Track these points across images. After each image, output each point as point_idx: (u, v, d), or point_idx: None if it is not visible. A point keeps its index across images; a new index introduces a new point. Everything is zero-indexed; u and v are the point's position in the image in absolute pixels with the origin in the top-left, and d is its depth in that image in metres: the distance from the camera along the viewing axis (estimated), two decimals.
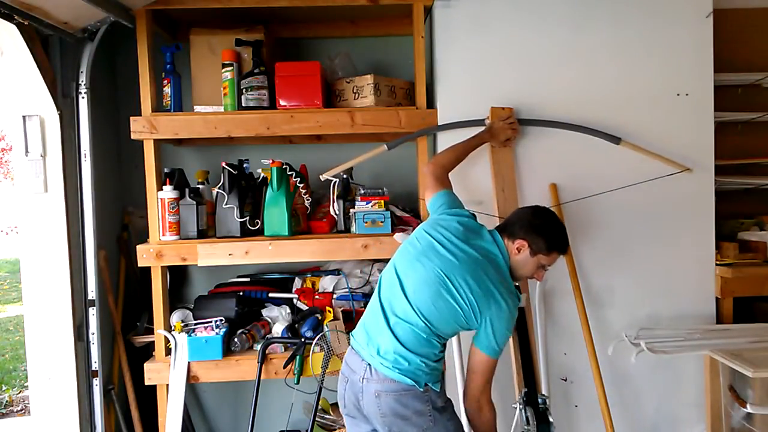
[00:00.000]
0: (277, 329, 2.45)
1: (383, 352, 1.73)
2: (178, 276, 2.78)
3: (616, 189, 2.35)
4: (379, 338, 1.76)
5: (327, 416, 2.59)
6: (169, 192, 2.36)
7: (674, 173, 2.35)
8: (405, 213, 2.52)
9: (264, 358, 2.34)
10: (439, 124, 2.39)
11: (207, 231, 2.45)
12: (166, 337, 2.39)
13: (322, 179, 2.44)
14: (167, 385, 2.36)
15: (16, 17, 1.96)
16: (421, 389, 1.71)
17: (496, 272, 1.79)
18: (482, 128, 2.31)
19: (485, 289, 1.74)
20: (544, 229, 1.84)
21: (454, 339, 2.23)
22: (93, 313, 2.36)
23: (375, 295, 1.87)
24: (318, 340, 2.34)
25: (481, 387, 1.79)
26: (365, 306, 2.50)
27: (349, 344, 1.88)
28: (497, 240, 1.84)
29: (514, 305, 1.78)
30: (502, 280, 1.79)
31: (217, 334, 2.37)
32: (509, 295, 1.77)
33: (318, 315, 2.43)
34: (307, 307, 2.53)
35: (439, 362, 1.79)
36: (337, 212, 2.45)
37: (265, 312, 2.57)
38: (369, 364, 1.74)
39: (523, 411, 2.18)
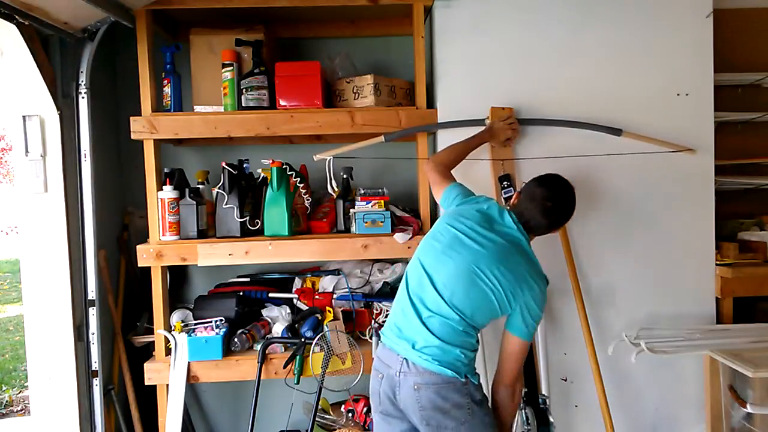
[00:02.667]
0: (277, 329, 2.45)
1: (419, 347, 1.73)
2: (178, 276, 2.78)
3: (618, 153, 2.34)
4: (413, 334, 1.75)
5: (327, 416, 2.59)
6: (169, 192, 2.36)
7: (676, 151, 2.36)
8: (405, 213, 2.52)
9: (264, 358, 2.34)
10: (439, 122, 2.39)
11: (207, 231, 2.45)
12: (166, 337, 2.39)
13: (316, 159, 2.42)
14: (167, 385, 2.36)
15: (16, 17, 1.96)
16: (462, 380, 1.71)
17: (522, 256, 1.79)
18: (482, 128, 2.31)
19: (516, 275, 1.74)
20: (565, 212, 1.89)
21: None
22: (93, 313, 2.35)
23: (403, 293, 1.85)
24: (318, 340, 2.34)
25: (516, 372, 1.79)
26: (365, 306, 2.53)
27: (381, 341, 1.86)
28: (521, 228, 1.83)
29: (545, 285, 1.79)
30: (530, 262, 1.79)
31: (217, 334, 2.37)
32: (539, 276, 1.78)
33: (318, 315, 2.43)
34: (307, 307, 2.53)
35: (476, 353, 1.79)
36: (335, 188, 2.44)
37: (265, 312, 2.57)
38: (405, 359, 1.74)
39: (523, 411, 2.19)
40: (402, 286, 1.87)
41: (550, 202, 1.83)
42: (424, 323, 1.74)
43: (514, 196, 1.95)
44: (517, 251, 1.79)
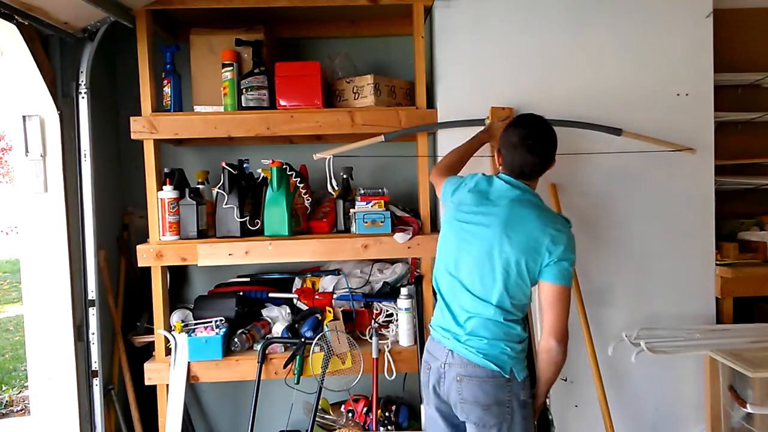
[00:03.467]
0: (277, 329, 2.45)
1: (464, 340, 1.73)
2: (178, 276, 2.78)
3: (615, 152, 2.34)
4: (457, 332, 1.75)
5: (327, 416, 2.59)
6: (169, 192, 2.36)
7: (676, 150, 2.36)
8: (405, 213, 2.52)
9: (264, 358, 2.34)
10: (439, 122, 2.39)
11: (207, 231, 2.45)
12: (166, 337, 2.39)
13: (315, 158, 2.42)
14: (167, 385, 2.36)
15: (16, 17, 1.96)
16: (507, 376, 1.68)
17: (528, 209, 1.74)
18: (482, 128, 2.31)
19: (528, 232, 1.70)
20: (549, 142, 1.84)
21: None
22: (93, 313, 2.36)
23: (439, 298, 1.85)
24: (318, 340, 2.34)
25: (565, 320, 1.70)
26: (365, 306, 2.54)
27: (430, 335, 1.86)
28: (515, 184, 1.79)
29: (566, 226, 1.74)
30: (539, 211, 1.75)
31: (217, 334, 2.37)
32: (553, 220, 1.73)
33: (318, 315, 2.43)
34: (307, 307, 2.53)
35: (524, 343, 1.74)
36: (335, 188, 2.44)
37: (265, 312, 2.57)
38: (451, 350, 1.74)
39: None
40: (436, 288, 1.87)
41: (531, 140, 1.79)
42: (462, 326, 1.74)
43: (496, 157, 1.90)
44: (522, 207, 1.74)
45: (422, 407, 1.92)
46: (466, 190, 1.86)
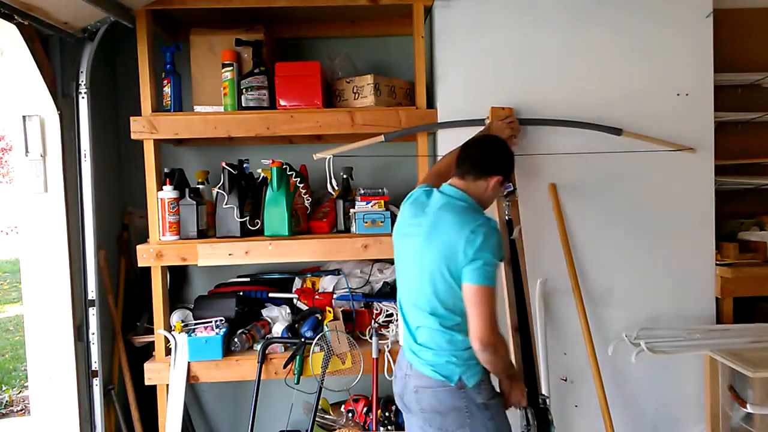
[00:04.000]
0: (277, 329, 2.45)
1: (417, 352, 1.77)
2: (178, 276, 2.78)
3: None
4: (412, 344, 1.79)
5: (327, 416, 2.59)
6: (169, 192, 2.36)
7: (676, 150, 2.37)
8: None
9: (264, 358, 2.34)
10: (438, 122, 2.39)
11: (207, 231, 2.45)
12: (166, 337, 2.39)
13: (315, 158, 2.42)
14: (167, 385, 2.36)
15: (16, 17, 1.96)
16: (454, 385, 1.70)
17: (452, 213, 1.72)
18: (482, 128, 2.31)
19: (448, 235, 1.68)
20: (509, 159, 1.88)
21: None
22: (93, 313, 2.35)
23: (399, 307, 1.89)
24: (318, 340, 2.34)
25: (489, 323, 1.64)
26: (365, 306, 2.54)
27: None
28: (447, 192, 1.81)
29: (489, 226, 1.70)
30: (461, 213, 1.72)
31: (217, 334, 2.37)
32: (471, 220, 1.70)
33: (318, 315, 2.43)
34: (307, 307, 2.53)
35: (469, 349, 1.70)
36: (335, 188, 2.44)
37: (265, 312, 2.57)
38: (409, 362, 1.79)
39: (523, 411, 2.18)
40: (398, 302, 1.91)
41: (472, 140, 1.93)
42: (415, 338, 1.78)
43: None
44: (446, 213, 1.74)
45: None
46: (408, 203, 1.89)
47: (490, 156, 1.85)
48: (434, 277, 1.71)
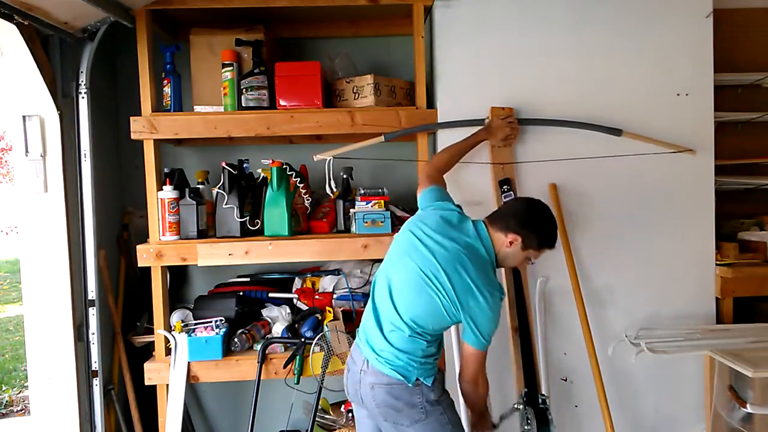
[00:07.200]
0: (277, 329, 2.45)
1: (378, 350, 1.78)
2: (178, 276, 2.78)
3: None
4: (374, 340, 1.81)
5: (327, 416, 2.59)
6: (169, 192, 2.36)
7: (676, 151, 2.37)
8: (405, 213, 2.52)
9: (264, 358, 2.34)
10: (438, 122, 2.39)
11: (207, 231, 2.45)
12: (166, 337, 2.39)
13: (316, 159, 2.42)
14: (167, 385, 2.36)
15: (16, 17, 1.96)
16: (411, 384, 1.74)
17: (475, 266, 1.75)
18: (481, 128, 2.31)
19: (464, 284, 1.72)
20: (540, 227, 1.82)
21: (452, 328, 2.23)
22: (93, 313, 2.35)
23: (370, 297, 1.89)
24: (318, 340, 2.34)
25: (476, 373, 1.81)
26: (365, 306, 2.52)
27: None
28: (480, 232, 1.81)
29: (496, 299, 1.74)
30: (482, 273, 1.75)
31: (217, 334, 2.37)
32: (489, 288, 1.73)
33: (318, 315, 2.43)
34: (307, 307, 2.53)
35: (429, 357, 1.79)
36: (335, 189, 2.44)
37: (265, 312, 2.57)
38: (366, 359, 1.80)
39: (523, 411, 2.18)
40: (371, 288, 1.90)
41: (535, 216, 1.84)
42: (383, 334, 1.79)
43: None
44: (470, 261, 1.75)
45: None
46: (438, 214, 1.86)
47: (524, 215, 1.84)
48: (432, 302, 1.74)
